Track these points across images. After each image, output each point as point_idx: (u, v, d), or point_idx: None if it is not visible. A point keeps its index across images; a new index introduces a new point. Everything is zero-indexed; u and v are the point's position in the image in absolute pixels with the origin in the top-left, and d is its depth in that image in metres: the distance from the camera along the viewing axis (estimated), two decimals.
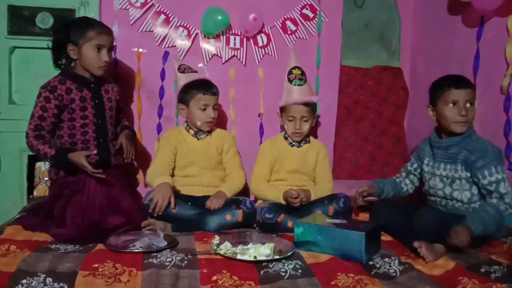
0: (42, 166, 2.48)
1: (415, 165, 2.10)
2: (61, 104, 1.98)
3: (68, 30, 1.98)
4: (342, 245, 1.59)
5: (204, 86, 2.20)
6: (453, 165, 1.84)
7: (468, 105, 1.82)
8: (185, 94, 2.21)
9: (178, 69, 2.29)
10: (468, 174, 1.80)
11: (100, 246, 1.63)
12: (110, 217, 1.85)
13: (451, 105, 1.82)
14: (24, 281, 1.31)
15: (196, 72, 2.30)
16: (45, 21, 2.36)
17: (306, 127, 2.23)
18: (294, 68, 2.30)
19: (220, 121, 2.52)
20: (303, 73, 2.29)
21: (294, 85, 2.25)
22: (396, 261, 1.53)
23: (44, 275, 1.34)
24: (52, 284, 1.30)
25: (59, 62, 2.06)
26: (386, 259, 1.55)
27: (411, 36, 2.91)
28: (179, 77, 2.28)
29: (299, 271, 1.45)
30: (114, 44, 2.22)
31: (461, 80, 1.87)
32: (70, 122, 2.01)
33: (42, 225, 1.84)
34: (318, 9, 2.66)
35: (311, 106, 2.24)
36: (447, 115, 1.83)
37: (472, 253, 1.62)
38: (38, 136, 1.93)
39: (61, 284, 1.31)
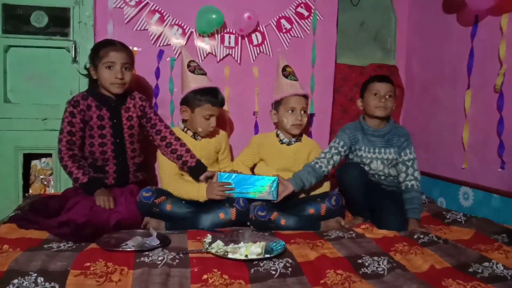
0: (38, 165, 2.50)
1: (345, 147, 2.23)
2: (84, 119, 2.03)
3: (91, 54, 2.06)
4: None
5: (214, 96, 2.17)
6: (390, 149, 2.21)
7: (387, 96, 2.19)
8: (193, 99, 2.16)
9: (188, 66, 2.22)
10: (396, 155, 2.22)
11: (93, 245, 1.63)
12: (109, 216, 1.87)
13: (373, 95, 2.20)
14: (15, 281, 1.30)
15: (205, 74, 2.23)
16: (39, 20, 2.36)
17: (305, 119, 2.26)
18: (286, 66, 2.33)
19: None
20: (294, 72, 2.34)
21: (290, 79, 2.27)
22: (385, 260, 1.54)
23: (35, 275, 1.33)
24: (43, 284, 1.30)
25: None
26: (375, 258, 1.57)
27: (406, 35, 2.91)
28: (188, 76, 2.20)
29: (289, 269, 1.46)
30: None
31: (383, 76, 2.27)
32: (90, 139, 2.06)
33: (40, 223, 1.83)
34: (313, 7, 2.66)
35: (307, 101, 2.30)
36: (370, 103, 2.21)
37: (463, 250, 1.65)
38: (72, 156, 2.00)
39: (52, 283, 1.31)
